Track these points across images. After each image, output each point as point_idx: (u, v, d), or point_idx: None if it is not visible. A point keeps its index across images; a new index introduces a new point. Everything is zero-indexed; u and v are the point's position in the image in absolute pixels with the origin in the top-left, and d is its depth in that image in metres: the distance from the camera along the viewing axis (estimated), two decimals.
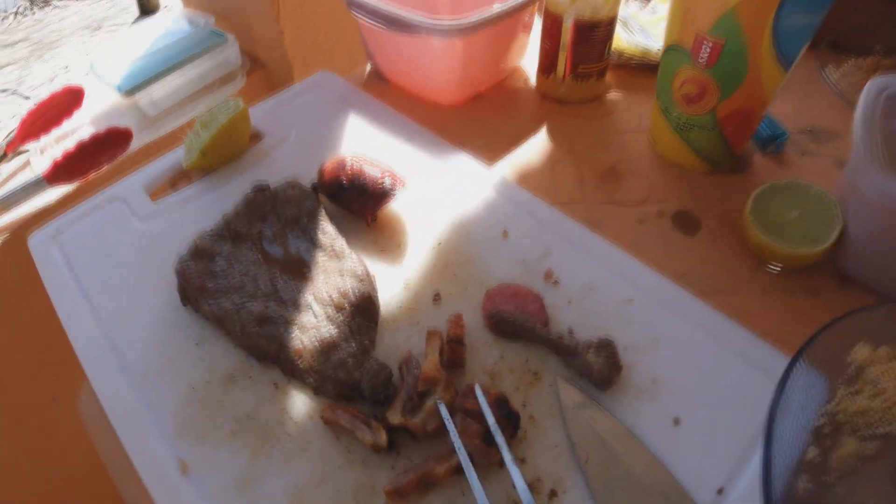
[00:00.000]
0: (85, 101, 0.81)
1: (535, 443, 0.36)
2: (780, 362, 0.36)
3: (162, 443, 0.38)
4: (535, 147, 0.61)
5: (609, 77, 0.68)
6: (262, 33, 0.96)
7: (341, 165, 0.50)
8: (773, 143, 0.58)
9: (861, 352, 0.38)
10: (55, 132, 0.80)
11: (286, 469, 0.36)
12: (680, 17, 0.49)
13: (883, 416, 0.36)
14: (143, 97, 0.86)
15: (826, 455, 0.35)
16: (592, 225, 0.49)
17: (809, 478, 0.33)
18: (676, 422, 0.37)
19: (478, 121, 0.64)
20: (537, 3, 0.63)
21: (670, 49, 0.52)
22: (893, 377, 0.37)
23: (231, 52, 0.92)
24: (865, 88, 0.46)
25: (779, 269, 0.47)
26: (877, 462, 0.35)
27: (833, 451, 0.35)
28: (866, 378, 0.38)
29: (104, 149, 0.74)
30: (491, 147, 0.60)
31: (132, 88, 0.86)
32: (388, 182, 0.49)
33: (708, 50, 0.48)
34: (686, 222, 0.52)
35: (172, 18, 0.98)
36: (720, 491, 0.34)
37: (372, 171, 0.50)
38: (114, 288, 0.47)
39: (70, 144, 0.72)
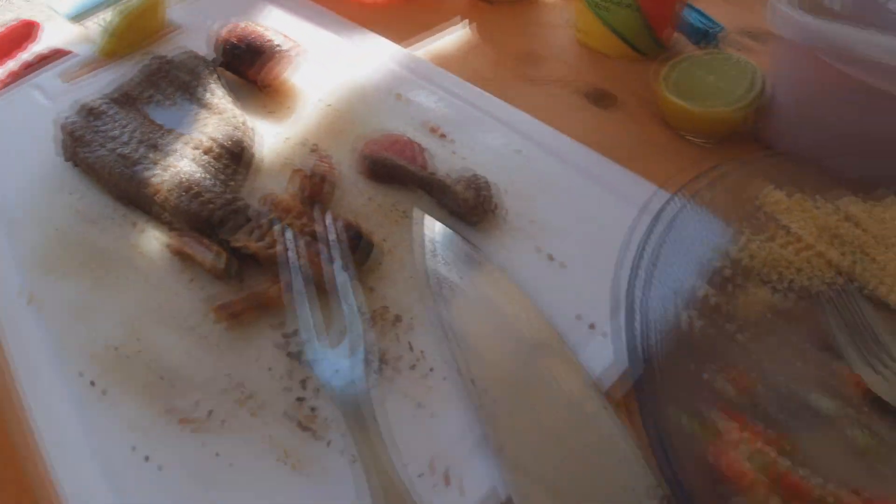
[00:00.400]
0: (41, 34, 0.80)
1: (389, 274, 0.34)
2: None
3: (16, 274, 0.37)
4: (455, 37, 0.58)
5: None
6: None
7: (235, 27, 0.48)
8: (705, 37, 0.55)
9: (772, 195, 0.36)
10: (10, 64, 0.79)
11: (126, 297, 0.35)
12: None
13: (801, 268, 0.34)
14: (93, 23, 0.84)
15: (729, 301, 0.32)
16: (503, 97, 0.47)
17: (700, 315, 0.30)
18: (550, 258, 0.34)
19: (403, 18, 0.62)
20: None
21: None
22: (813, 227, 0.35)
23: None
24: None
25: (700, 140, 0.45)
26: (792, 317, 0.32)
27: (737, 297, 0.32)
28: (779, 224, 0.35)
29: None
30: (410, 39, 0.57)
31: (80, 14, 0.84)
32: (283, 43, 0.47)
33: None
34: (601, 98, 0.49)
35: None
36: (592, 326, 0.32)
37: (268, 35, 0.48)
38: (10, 155, 0.47)
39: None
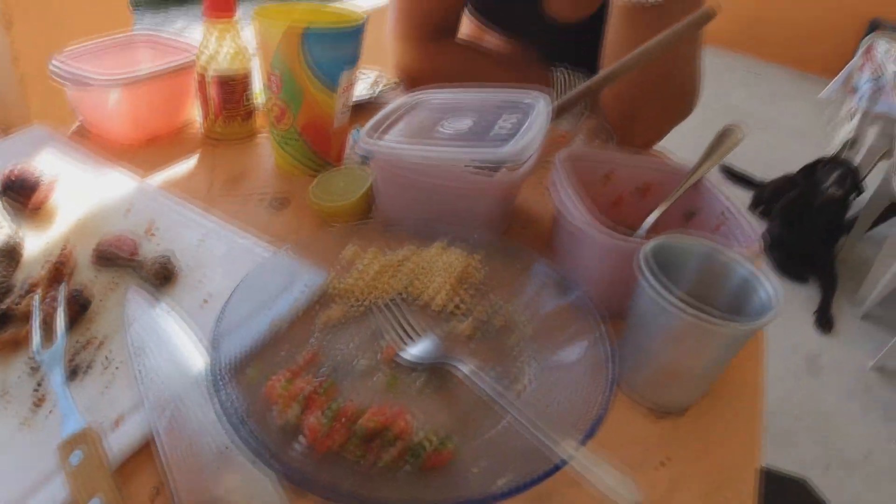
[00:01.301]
0: None
1: (101, 321, 0.52)
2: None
3: None
4: (185, 167, 0.79)
5: (262, 120, 0.89)
6: (14, 109, 1.11)
7: (14, 167, 0.65)
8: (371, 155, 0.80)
9: (350, 250, 0.58)
10: None
11: None
12: (261, 64, 0.71)
13: (364, 291, 0.56)
14: None
15: (317, 314, 0.53)
16: (208, 209, 0.67)
17: (288, 324, 0.51)
18: (205, 301, 0.54)
19: (151, 155, 0.81)
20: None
21: (263, 87, 0.73)
22: (374, 267, 0.57)
23: None
24: None
25: (338, 224, 0.67)
26: (360, 322, 0.54)
27: (322, 312, 0.53)
28: (356, 267, 0.57)
29: None
30: (153, 170, 0.77)
31: None
32: (46, 178, 0.65)
33: (275, 81, 0.70)
34: (281, 203, 0.71)
35: None
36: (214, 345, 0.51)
37: (37, 172, 0.65)
38: None
39: None
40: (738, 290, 0.49)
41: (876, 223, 2.99)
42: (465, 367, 0.46)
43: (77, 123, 0.89)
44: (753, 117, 4.91)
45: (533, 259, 0.55)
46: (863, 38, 3.33)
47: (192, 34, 0.88)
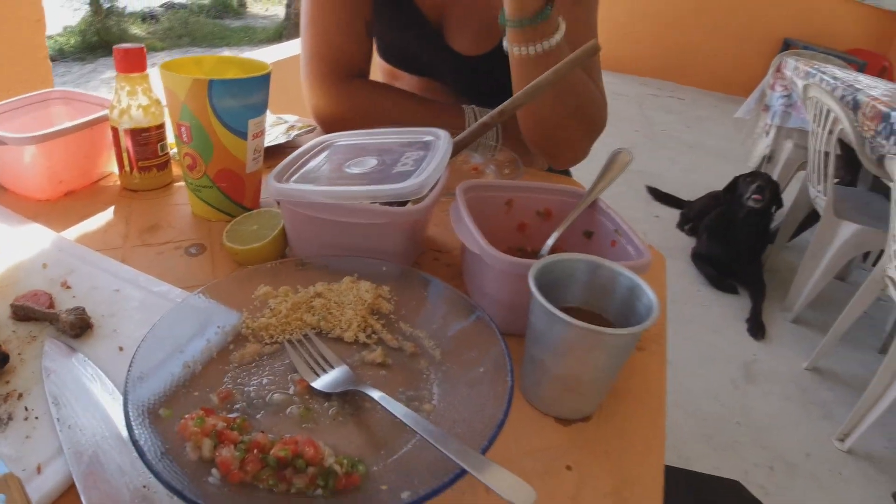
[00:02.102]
0: None
1: (20, 374, 0.52)
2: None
3: None
4: (102, 220, 0.79)
5: (176, 169, 0.90)
6: None
7: None
8: None
9: (262, 289, 0.60)
10: None
11: None
12: (170, 115, 0.73)
13: (277, 328, 0.57)
14: None
15: (230, 353, 0.54)
16: (124, 260, 0.68)
17: (203, 363, 0.52)
18: (121, 349, 0.55)
19: (69, 209, 0.81)
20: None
21: (175, 138, 0.75)
22: (287, 304, 0.59)
23: None
24: None
25: (252, 266, 0.69)
26: (275, 357, 0.56)
27: (237, 352, 0.55)
28: (269, 306, 0.59)
29: None
30: (68, 224, 0.77)
31: None
32: None
33: (185, 131, 0.72)
34: (198, 250, 0.73)
35: None
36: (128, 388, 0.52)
37: None
38: None
39: None
40: (626, 299, 0.53)
41: (798, 232, 3.15)
42: (374, 393, 0.49)
43: None
44: (679, 141, 5.14)
45: (437, 286, 0.57)
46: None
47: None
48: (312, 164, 0.67)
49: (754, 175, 2.75)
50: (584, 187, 0.74)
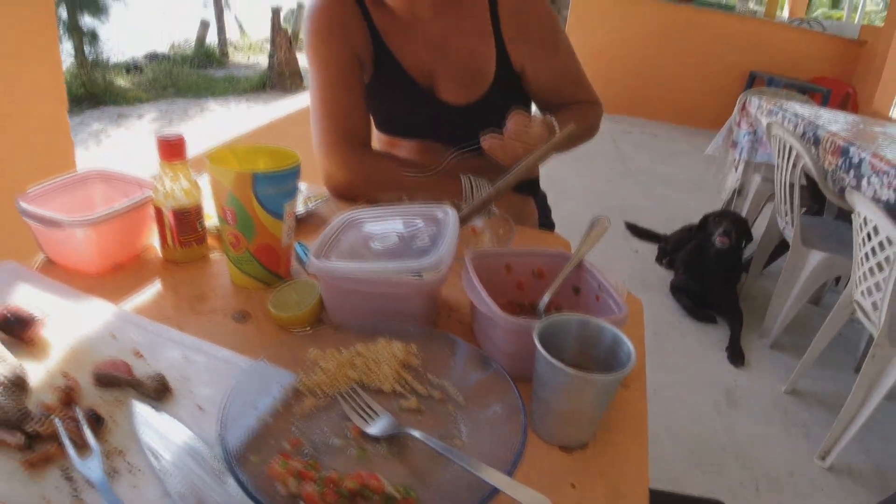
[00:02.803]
0: None
1: (116, 434, 0.63)
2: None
3: None
4: (152, 291, 0.91)
5: (212, 242, 1.02)
6: None
7: (4, 307, 0.76)
8: None
9: (313, 352, 0.72)
10: None
11: None
12: (215, 200, 0.85)
13: (328, 384, 0.69)
14: None
15: (292, 407, 0.66)
16: (180, 328, 0.79)
17: (273, 418, 0.64)
18: (200, 408, 0.66)
19: (117, 282, 0.93)
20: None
21: (219, 219, 0.87)
22: (333, 364, 0.71)
23: None
24: None
25: (297, 330, 0.81)
26: (329, 409, 0.67)
27: (297, 406, 0.66)
28: (319, 366, 0.71)
29: None
30: (120, 296, 0.88)
31: None
32: (37, 314, 0.76)
33: (230, 215, 0.84)
34: (243, 316, 0.85)
35: None
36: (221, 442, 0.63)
37: (28, 309, 0.76)
38: None
39: None
40: (610, 347, 0.65)
41: (770, 260, 3.31)
42: (416, 433, 0.61)
43: (42, 257, 1.00)
44: (652, 175, 5.33)
45: (458, 343, 0.70)
46: (742, 92, 3.74)
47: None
48: (343, 240, 0.80)
49: (722, 216, 2.91)
50: (570, 245, 0.87)
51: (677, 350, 2.71)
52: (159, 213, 0.95)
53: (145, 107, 8.58)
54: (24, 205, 0.91)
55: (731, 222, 2.84)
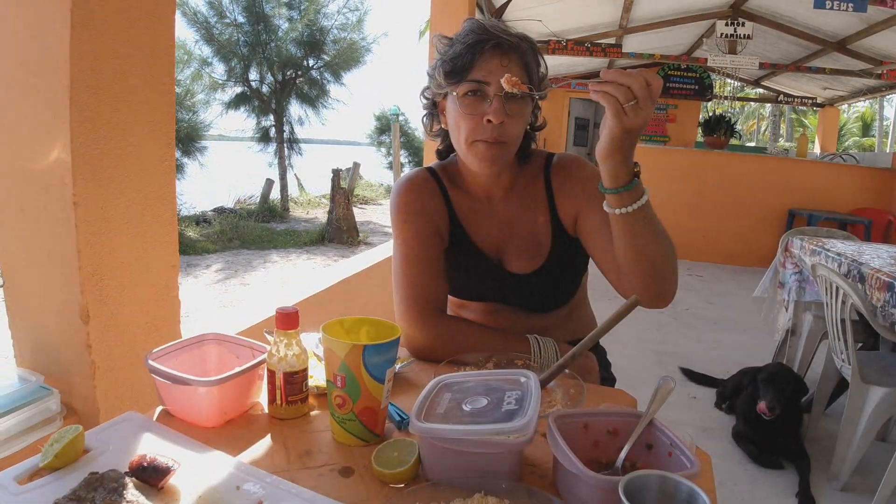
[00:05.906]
0: None
1: None
2: None
3: None
4: (264, 445, 1.02)
5: (312, 400, 1.15)
6: (80, 389, 1.35)
7: (142, 457, 0.88)
8: (403, 423, 1.06)
9: None
10: None
11: None
12: (326, 366, 0.99)
13: None
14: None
15: None
16: (294, 481, 0.90)
17: None
18: None
19: (229, 434, 1.05)
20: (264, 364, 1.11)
21: (328, 382, 1.00)
22: None
23: (53, 403, 1.27)
24: None
25: (398, 486, 0.90)
26: None
27: None
28: None
29: None
30: (236, 449, 1.00)
31: None
32: (169, 463, 0.88)
33: (340, 380, 0.97)
34: (346, 471, 0.95)
35: (5, 375, 1.32)
36: None
37: (161, 458, 0.88)
38: None
39: None
40: (686, 501, 0.74)
41: (832, 398, 3.25)
42: None
43: (160, 408, 1.13)
44: (701, 317, 5.36)
45: (546, 498, 0.79)
46: (784, 232, 3.84)
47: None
48: (438, 403, 0.91)
49: (769, 381, 2.86)
50: (636, 402, 0.96)
51: (745, 499, 2.64)
52: (271, 375, 1.08)
53: (212, 257, 9.13)
54: (152, 363, 1.06)
55: (777, 391, 2.80)
